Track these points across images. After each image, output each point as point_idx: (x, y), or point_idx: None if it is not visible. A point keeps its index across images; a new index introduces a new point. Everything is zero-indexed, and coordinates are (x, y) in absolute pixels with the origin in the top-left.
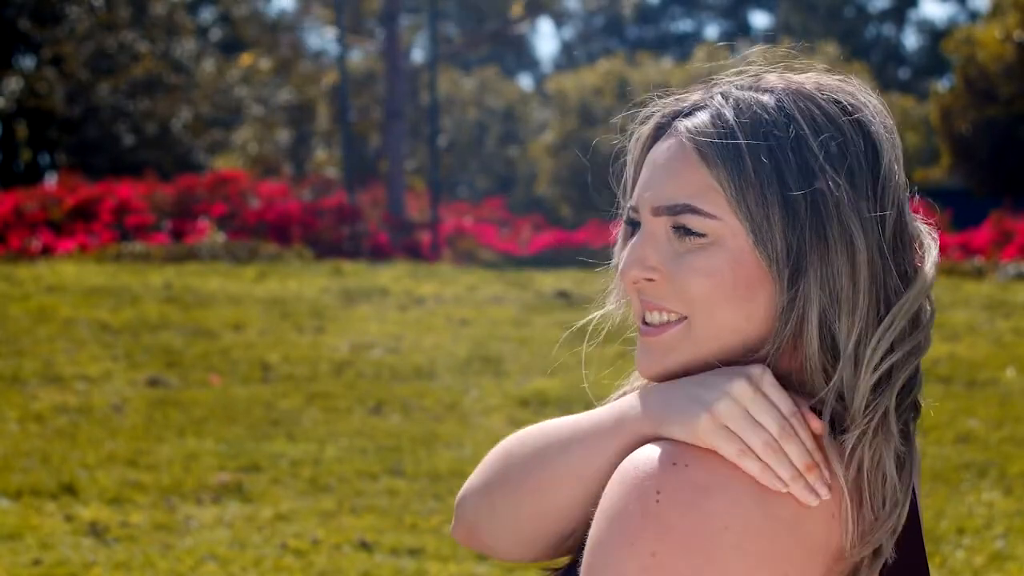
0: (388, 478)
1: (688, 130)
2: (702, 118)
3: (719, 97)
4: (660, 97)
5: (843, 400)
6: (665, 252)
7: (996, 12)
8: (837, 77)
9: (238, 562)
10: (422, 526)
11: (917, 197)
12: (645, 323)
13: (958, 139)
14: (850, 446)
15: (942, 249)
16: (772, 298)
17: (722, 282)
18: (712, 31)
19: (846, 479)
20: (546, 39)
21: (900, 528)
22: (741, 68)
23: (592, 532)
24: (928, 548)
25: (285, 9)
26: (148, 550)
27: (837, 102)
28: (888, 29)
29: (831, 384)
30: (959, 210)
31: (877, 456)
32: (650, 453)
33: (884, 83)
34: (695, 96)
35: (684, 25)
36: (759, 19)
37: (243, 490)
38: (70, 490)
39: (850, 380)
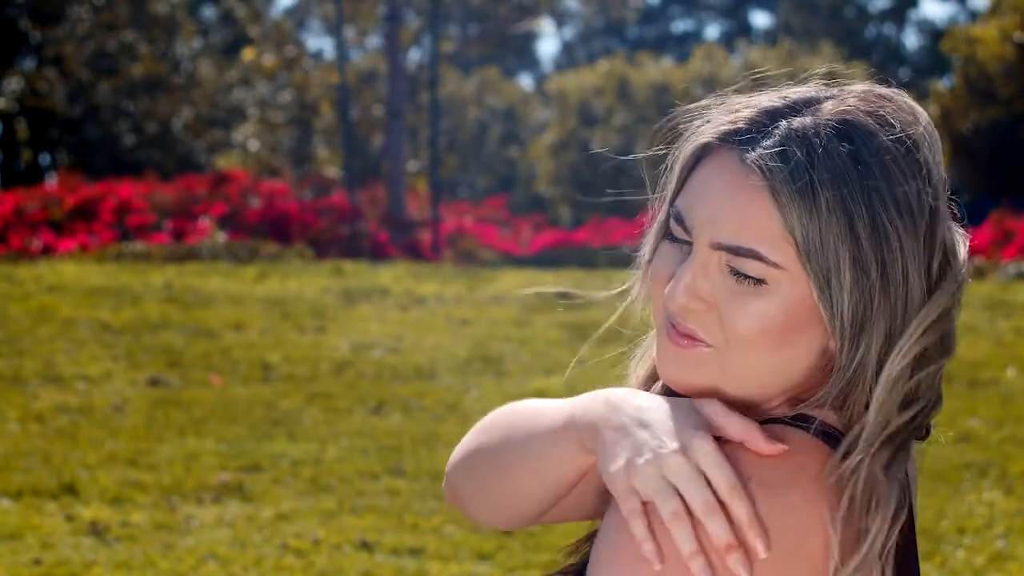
0: (389, 478)
1: (758, 165)
2: (770, 151)
3: (784, 125)
4: (705, 101)
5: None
6: (718, 286)
7: (996, 12)
8: (891, 98)
9: (239, 562)
10: (423, 526)
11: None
12: (675, 328)
13: (958, 139)
14: (852, 466)
15: None
16: (816, 344)
17: (772, 328)
18: (712, 31)
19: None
20: (547, 39)
21: (891, 553)
22: (772, 73)
23: (597, 544)
24: (928, 548)
25: (287, 8)
26: (149, 550)
27: (900, 140)
28: (888, 29)
29: (861, 422)
30: (958, 210)
31: (875, 480)
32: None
33: (884, 83)
34: (747, 111)
35: (684, 25)
36: (759, 19)
37: (244, 490)
38: (71, 490)
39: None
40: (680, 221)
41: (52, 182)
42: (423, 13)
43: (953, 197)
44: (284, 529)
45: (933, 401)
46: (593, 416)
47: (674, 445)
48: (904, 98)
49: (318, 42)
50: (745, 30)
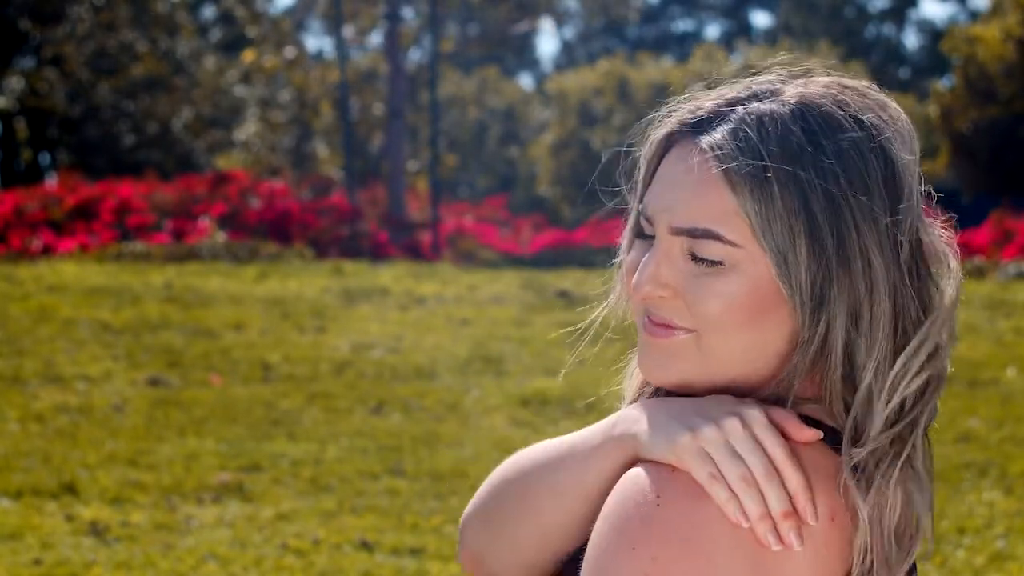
0: (389, 478)
1: (711, 148)
2: (724, 135)
3: (740, 110)
4: (673, 99)
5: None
6: (680, 271)
7: (996, 11)
8: (857, 88)
9: (239, 562)
10: (423, 526)
11: (936, 208)
12: (650, 320)
13: (958, 138)
14: (864, 480)
15: None
16: (787, 325)
17: (739, 307)
18: (712, 31)
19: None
20: (546, 39)
21: (912, 560)
22: (751, 70)
23: (593, 538)
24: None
25: (288, 8)
26: (149, 550)
27: (861, 123)
28: (888, 29)
29: (849, 416)
30: (959, 210)
31: (891, 491)
32: (649, 465)
33: (884, 83)
34: (709, 103)
35: (684, 25)
36: (759, 19)
37: (244, 490)
38: (71, 490)
39: (865, 410)
40: (647, 216)
41: (52, 182)
42: (423, 13)
43: (939, 193)
44: (284, 529)
45: (938, 379)
46: (631, 419)
47: (730, 411)
48: (874, 91)
49: (318, 42)
50: (745, 30)
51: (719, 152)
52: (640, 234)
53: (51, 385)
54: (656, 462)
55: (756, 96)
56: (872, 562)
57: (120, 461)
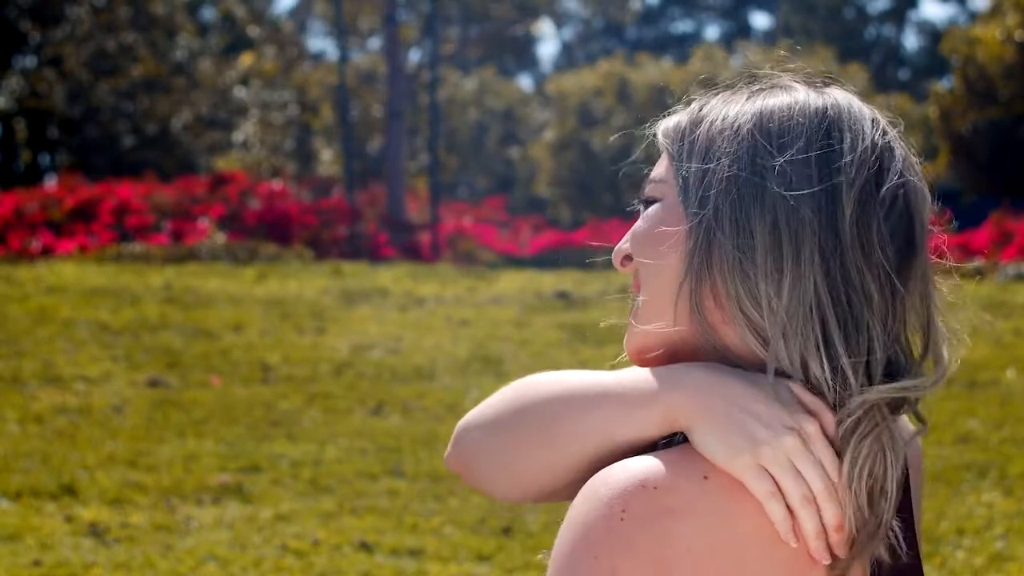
0: (388, 479)
1: (664, 128)
2: (678, 116)
3: (703, 98)
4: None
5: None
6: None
7: (996, 12)
8: (845, 97)
9: (238, 563)
10: (422, 527)
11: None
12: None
13: (958, 139)
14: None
15: (940, 251)
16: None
17: (651, 230)
18: (712, 32)
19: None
20: (546, 40)
21: (884, 533)
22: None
23: (558, 541)
24: (928, 548)
25: (287, 9)
26: (148, 551)
27: (804, 105)
28: (888, 30)
29: (768, 356)
30: (958, 211)
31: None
32: (622, 472)
33: (884, 84)
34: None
35: (684, 26)
36: (759, 20)
37: (243, 491)
38: (70, 491)
39: (785, 352)
40: None
41: (52, 183)
42: (423, 14)
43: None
44: (284, 530)
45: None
46: (685, 394)
47: (788, 425)
48: (854, 108)
49: (319, 43)
50: (745, 31)
51: (667, 131)
52: None
53: (50, 386)
54: (630, 467)
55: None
56: (853, 533)
57: (119, 462)
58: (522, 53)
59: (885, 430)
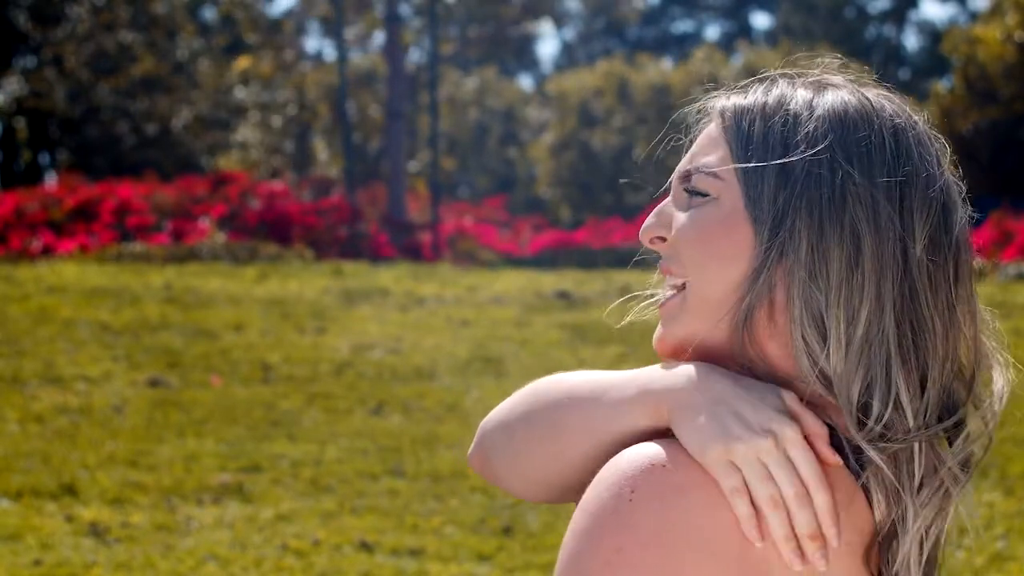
0: (389, 479)
1: (719, 105)
2: (734, 93)
3: (766, 83)
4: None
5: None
6: (677, 211)
7: (996, 12)
8: (895, 101)
9: (239, 563)
10: (423, 527)
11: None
12: (661, 267)
13: (958, 139)
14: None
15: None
16: (747, 260)
17: (708, 235)
18: (713, 32)
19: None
20: (546, 40)
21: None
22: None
23: (570, 526)
24: None
25: (287, 10)
26: (149, 551)
27: (864, 107)
28: (888, 30)
29: (816, 367)
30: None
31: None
32: (630, 454)
33: (885, 84)
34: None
35: (684, 26)
36: (759, 20)
37: (244, 491)
38: (71, 491)
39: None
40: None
41: (52, 182)
42: (423, 14)
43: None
44: (284, 530)
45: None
46: (674, 388)
47: (766, 427)
48: (910, 117)
49: (317, 43)
50: (745, 31)
51: (723, 107)
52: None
53: (51, 386)
54: (642, 449)
55: (792, 82)
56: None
57: (120, 462)
58: (522, 53)
59: (949, 496)
